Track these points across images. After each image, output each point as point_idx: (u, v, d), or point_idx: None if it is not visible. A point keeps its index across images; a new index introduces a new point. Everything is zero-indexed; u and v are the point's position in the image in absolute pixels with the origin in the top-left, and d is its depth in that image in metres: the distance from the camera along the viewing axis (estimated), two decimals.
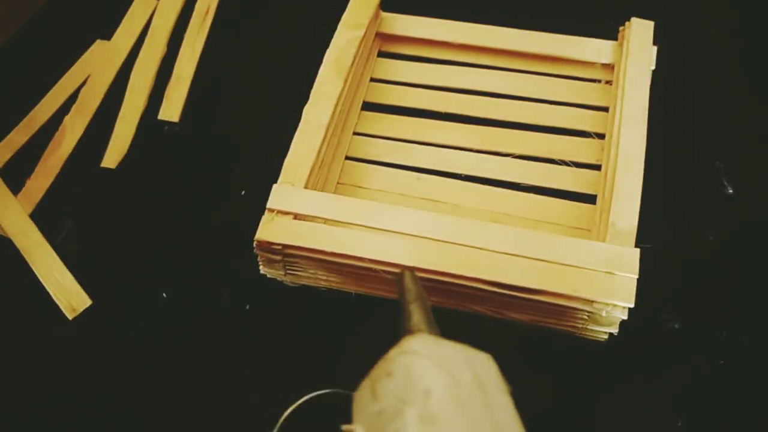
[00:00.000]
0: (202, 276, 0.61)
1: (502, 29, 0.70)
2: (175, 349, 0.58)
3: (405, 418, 0.35)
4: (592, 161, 0.65)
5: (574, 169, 0.65)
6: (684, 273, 0.61)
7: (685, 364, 0.56)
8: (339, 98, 0.63)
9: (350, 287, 0.59)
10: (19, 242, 0.63)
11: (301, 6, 0.79)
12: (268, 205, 0.56)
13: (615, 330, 0.55)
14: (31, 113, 0.70)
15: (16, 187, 0.66)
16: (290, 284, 0.60)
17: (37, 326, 0.59)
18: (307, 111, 0.62)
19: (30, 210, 0.65)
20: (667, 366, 0.56)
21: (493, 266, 0.53)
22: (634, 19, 0.67)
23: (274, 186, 0.57)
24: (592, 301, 0.52)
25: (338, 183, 0.65)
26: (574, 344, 0.57)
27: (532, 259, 0.53)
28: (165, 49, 0.75)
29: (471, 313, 0.57)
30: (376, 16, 0.70)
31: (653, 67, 0.65)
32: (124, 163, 0.68)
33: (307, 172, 0.58)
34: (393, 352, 0.39)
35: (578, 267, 0.53)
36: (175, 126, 0.70)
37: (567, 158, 0.65)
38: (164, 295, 0.60)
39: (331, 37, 0.66)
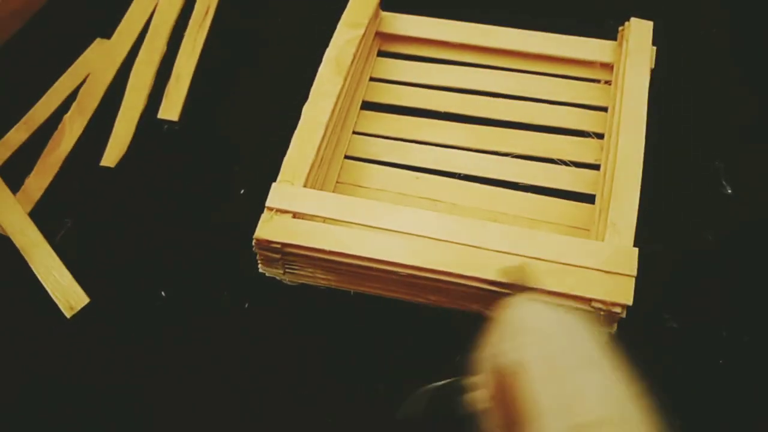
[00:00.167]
0: (202, 275, 0.61)
1: (501, 29, 0.70)
2: (175, 348, 0.58)
3: (523, 339, 0.37)
4: (592, 161, 0.65)
5: (574, 168, 0.65)
6: (684, 273, 0.61)
7: (684, 364, 0.56)
8: (338, 97, 0.63)
9: (349, 286, 0.59)
10: (18, 241, 0.63)
11: (301, 6, 0.79)
12: (267, 203, 0.56)
13: (614, 329, 0.54)
14: (31, 111, 0.70)
15: (15, 186, 0.66)
16: (289, 283, 0.60)
17: (36, 325, 0.59)
18: (307, 110, 0.62)
19: (29, 208, 0.65)
20: (666, 366, 0.56)
21: (492, 265, 0.53)
22: (633, 19, 0.67)
23: (274, 185, 0.57)
24: (591, 300, 0.52)
25: (337, 182, 0.65)
26: None
27: (531, 258, 0.53)
28: (165, 48, 0.75)
29: (471, 313, 0.57)
30: (375, 15, 0.70)
31: (653, 67, 0.65)
32: (123, 161, 0.68)
33: (307, 171, 0.58)
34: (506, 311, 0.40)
35: (577, 266, 0.53)
36: (175, 125, 0.70)
37: (566, 158, 0.65)
38: (163, 294, 0.60)
39: (331, 36, 0.66)
